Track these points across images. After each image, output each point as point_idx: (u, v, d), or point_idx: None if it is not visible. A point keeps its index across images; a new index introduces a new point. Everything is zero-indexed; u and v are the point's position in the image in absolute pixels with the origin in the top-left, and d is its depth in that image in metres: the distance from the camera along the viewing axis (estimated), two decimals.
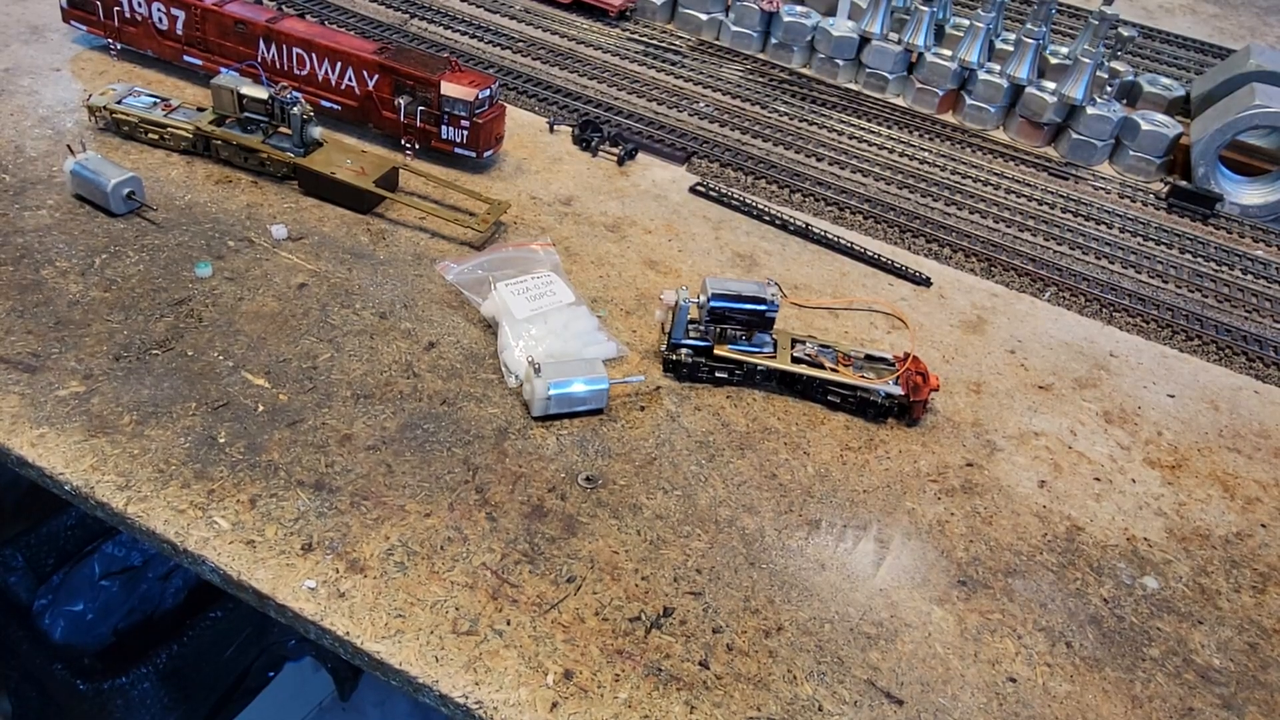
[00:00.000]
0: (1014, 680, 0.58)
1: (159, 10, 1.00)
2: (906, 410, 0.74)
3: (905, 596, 0.62)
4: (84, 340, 0.70)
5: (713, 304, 0.71)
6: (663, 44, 1.34)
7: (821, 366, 0.73)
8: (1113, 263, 1.05)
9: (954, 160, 1.20)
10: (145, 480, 0.60)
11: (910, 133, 1.25)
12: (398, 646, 0.54)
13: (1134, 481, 0.75)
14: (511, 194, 0.96)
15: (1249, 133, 1.18)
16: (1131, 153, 1.23)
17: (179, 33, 1.02)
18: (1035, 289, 0.99)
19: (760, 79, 1.30)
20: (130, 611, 1.16)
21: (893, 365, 0.74)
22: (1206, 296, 1.02)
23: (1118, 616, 0.64)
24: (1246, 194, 1.19)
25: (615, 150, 1.07)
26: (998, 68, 1.27)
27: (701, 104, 1.21)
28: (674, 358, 0.72)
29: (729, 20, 1.36)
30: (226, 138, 0.90)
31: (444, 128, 0.95)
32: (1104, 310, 0.97)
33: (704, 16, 1.37)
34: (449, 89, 0.92)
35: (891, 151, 1.20)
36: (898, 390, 0.72)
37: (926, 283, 0.95)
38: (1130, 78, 1.35)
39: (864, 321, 0.88)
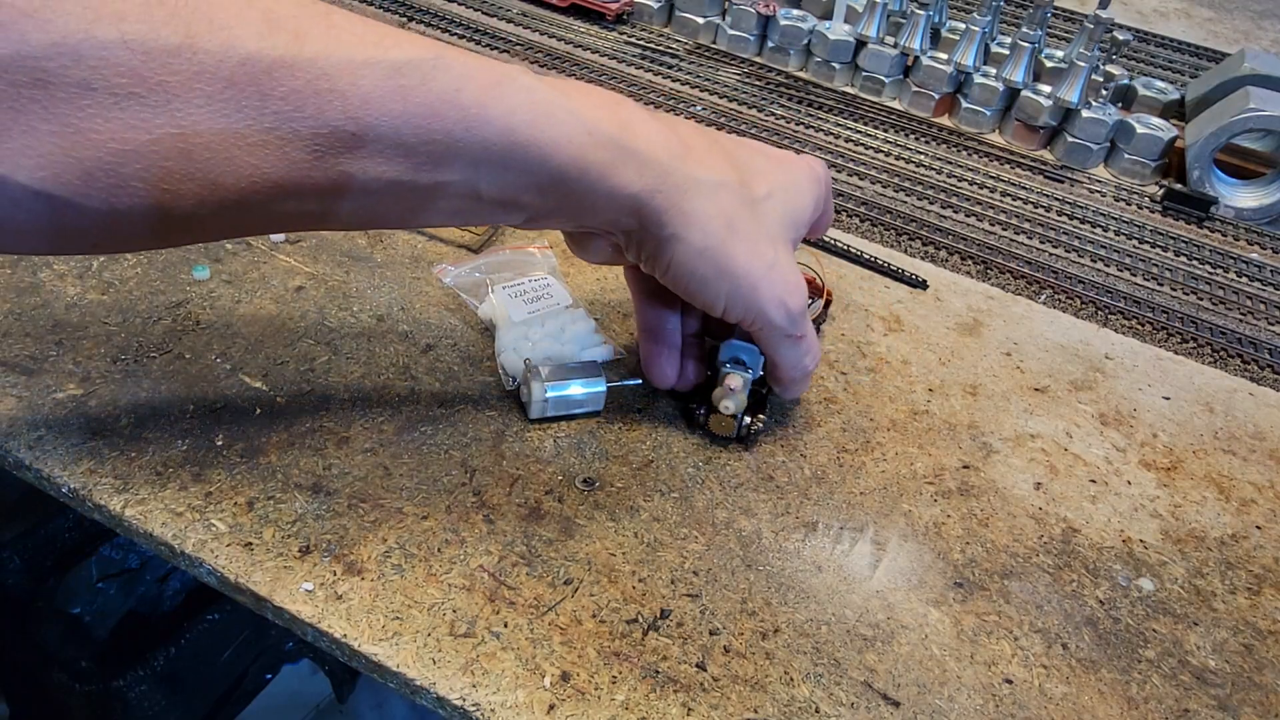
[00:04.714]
0: (1010, 682, 0.58)
1: None
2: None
3: (902, 598, 0.62)
4: (82, 343, 0.70)
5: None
6: (660, 47, 1.34)
7: None
8: (1108, 265, 1.05)
9: (950, 163, 1.20)
10: (143, 482, 0.60)
11: (906, 136, 1.25)
12: (395, 649, 0.54)
13: (1129, 483, 0.75)
14: None
15: (1243, 136, 1.18)
16: (1126, 156, 1.23)
17: None
18: (1031, 291, 0.99)
19: (757, 82, 1.30)
20: (128, 614, 1.16)
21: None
22: (1202, 299, 1.02)
23: (1114, 618, 0.64)
24: (1241, 197, 1.19)
25: None
26: (993, 71, 1.28)
27: (698, 107, 1.21)
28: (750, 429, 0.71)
29: (725, 24, 1.36)
30: None
31: None
32: (1100, 313, 0.97)
33: (701, 20, 1.37)
34: None
35: (888, 154, 1.20)
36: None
37: (923, 285, 0.96)
38: (1125, 81, 1.35)
39: (860, 324, 0.87)
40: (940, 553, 0.67)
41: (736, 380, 0.68)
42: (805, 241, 0.99)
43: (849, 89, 1.35)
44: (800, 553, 0.65)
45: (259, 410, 0.68)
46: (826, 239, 1.00)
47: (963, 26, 1.31)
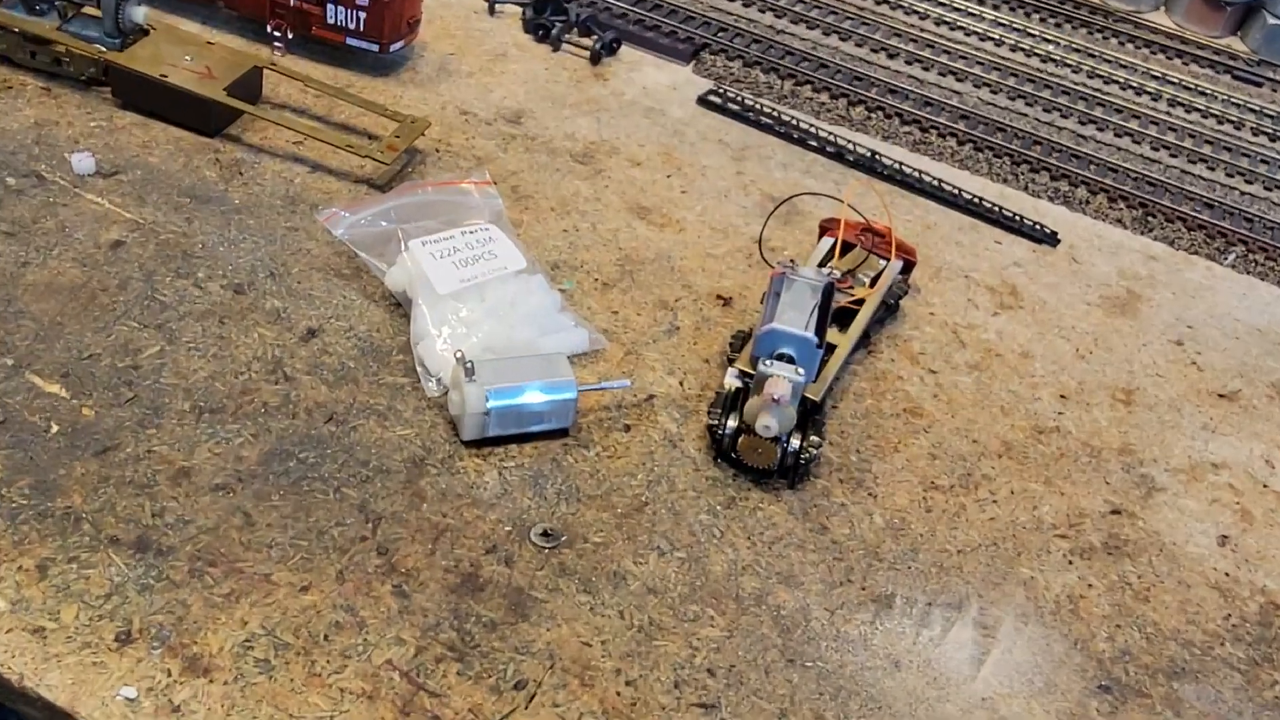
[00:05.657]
0: None
1: None
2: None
3: (1020, 710, 0.62)
4: None
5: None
6: None
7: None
8: None
9: (1092, 56, 1.20)
10: None
11: (1028, 16, 1.25)
12: None
13: None
14: (432, 107, 0.96)
15: None
16: None
17: None
18: (1214, 250, 0.99)
19: None
20: None
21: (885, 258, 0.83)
22: None
23: None
24: None
25: (587, 41, 1.07)
26: None
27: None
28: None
29: None
30: (2, 23, 0.90)
31: (330, 6, 0.95)
32: None
33: None
34: None
35: (999, 43, 1.20)
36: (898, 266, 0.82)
37: (1052, 240, 0.97)
38: None
39: (958, 298, 0.88)
40: (1077, 641, 0.67)
41: (783, 386, 0.68)
42: (872, 173, 0.99)
43: None
44: (868, 641, 0.65)
45: (56, 427, 0.67)
46: (909, 170, 0.99)
47: None
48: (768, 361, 0.71)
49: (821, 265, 0.79)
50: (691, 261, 0.83)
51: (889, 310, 0.81)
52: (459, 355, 0.71)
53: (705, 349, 0.79)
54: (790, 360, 0.72)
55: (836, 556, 0.70)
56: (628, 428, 0.75)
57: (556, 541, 0.68)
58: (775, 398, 0.69)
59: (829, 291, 0.74)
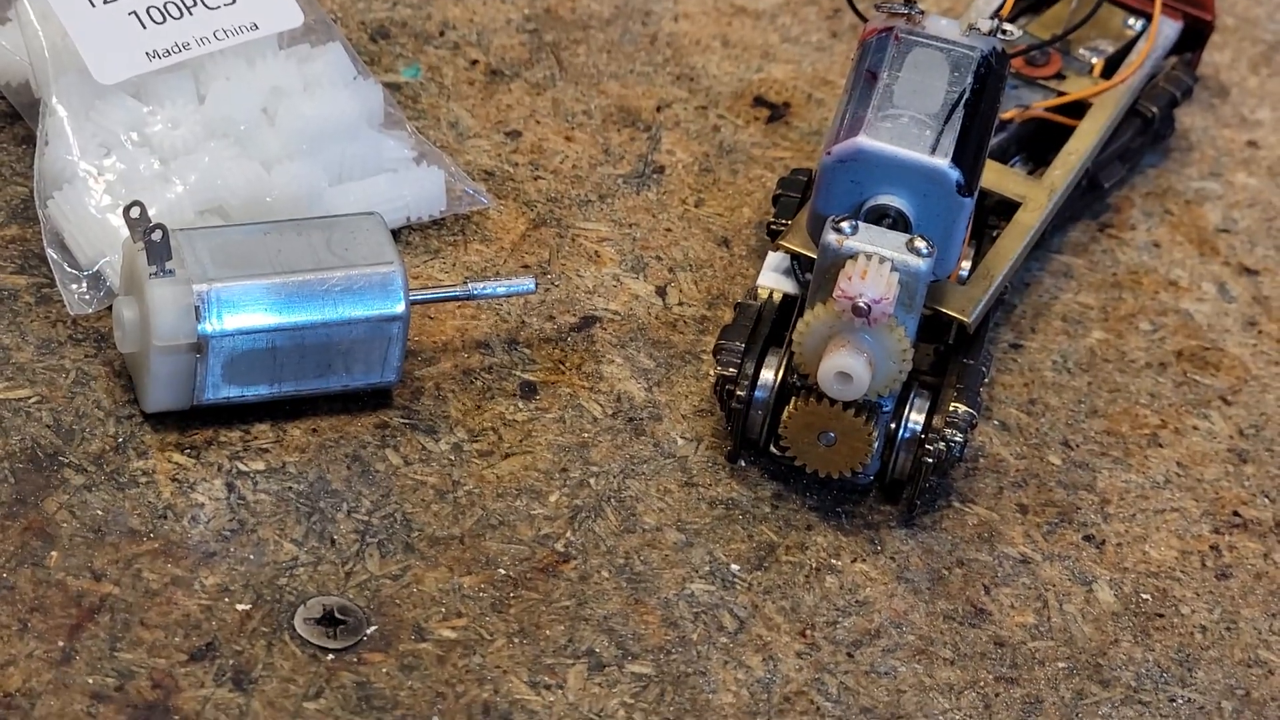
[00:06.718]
0: None
1: None
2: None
3: None
4: None
5: None
6: None
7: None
8: None
9: None
10: None
11: None
12: None
13: None
14: None
15: None
16: None
17: None
18: None
19: None
20: None
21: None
22: None
23: None
24: None
25: None
26: None
27: None
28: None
29: None
30: None
31: None
32: None
33: None
34: None
35: None
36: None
37: None
38: None
39: None
40: None
41: (881, 280, 0.51)
42: None
43: None
44: None
45: None
46: None
47: None
48: (849, 225, 0.50)
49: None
50: (698, 24, 0.64)
51: (1150, 132, 0.63)
52: (135, 214, 0.49)
53: (718, 212, 0.59)
54: (901, 224, 0.51)
55: (1008, 678, 0.49)
56: (530, 389, 0.53)
57: (354, 636, 0.46)
58: (864, 306, 0.49)
59: (992, 72, 0.54)
